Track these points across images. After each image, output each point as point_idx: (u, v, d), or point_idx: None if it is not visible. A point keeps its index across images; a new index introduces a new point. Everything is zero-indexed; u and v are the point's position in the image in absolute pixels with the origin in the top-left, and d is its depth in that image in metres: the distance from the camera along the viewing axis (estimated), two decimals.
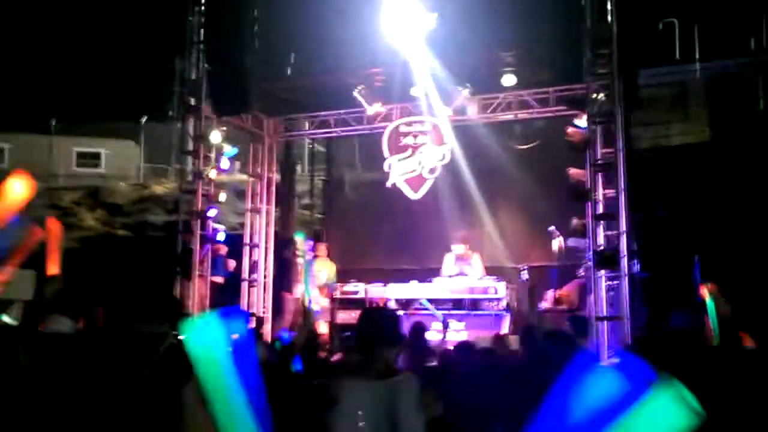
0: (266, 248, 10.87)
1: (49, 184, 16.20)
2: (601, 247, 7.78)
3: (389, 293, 9.42)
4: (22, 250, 4.80)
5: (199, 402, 2.49)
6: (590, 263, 7.94)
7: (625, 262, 7.56)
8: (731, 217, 9.84)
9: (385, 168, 10.23)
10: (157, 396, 2.98)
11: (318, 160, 12.14)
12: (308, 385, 4.25)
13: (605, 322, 7.68)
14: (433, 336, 8.14)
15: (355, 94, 9.80)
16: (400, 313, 8.83)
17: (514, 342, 7.31)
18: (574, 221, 8.12)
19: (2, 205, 4.60)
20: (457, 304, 8.93)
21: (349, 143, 11.66)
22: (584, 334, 7.48)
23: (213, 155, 10.02)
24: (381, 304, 9.06)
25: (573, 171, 8.19)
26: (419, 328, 6.60)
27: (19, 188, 4.70)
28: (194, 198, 9.80)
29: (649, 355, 3.53)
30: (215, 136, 9.98)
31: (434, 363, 5.85)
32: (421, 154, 9.98)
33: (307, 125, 11.24)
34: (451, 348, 6.43)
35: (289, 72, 10.06)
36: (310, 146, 12.05)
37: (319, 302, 9.61)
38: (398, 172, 10.07)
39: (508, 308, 8.77)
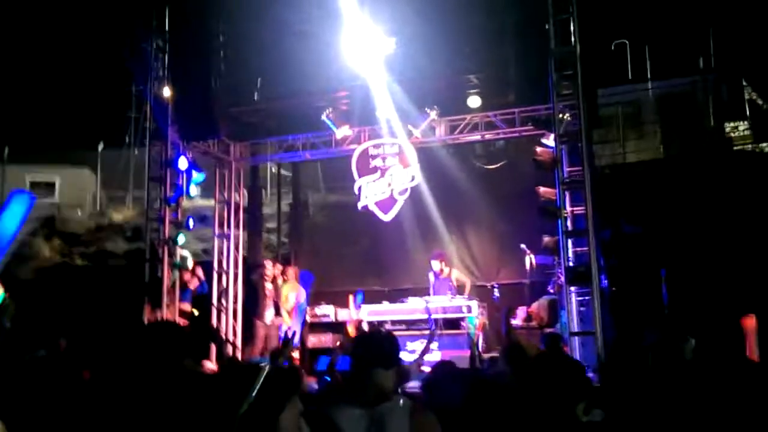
0: (235, 274, 10.74)
1: None
2: (572, 264, 7.94)
3: (360, 315, 9.40)
4: None
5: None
6: (561, 280, 8.10)
7: (596, 277, 7.72)
8: (690, 230, 10.15)
9: (356, 191, 10.27)
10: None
11: (283, 183, 12.09)
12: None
13: (577, 338, 7.82)
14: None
15: (324, 117, 9.83)
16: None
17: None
18: (546, 239, 8.26)
19: None
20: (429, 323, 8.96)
21: (314, 166, 11.69)
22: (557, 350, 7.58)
23: (180, 181, 9.91)
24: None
25: (542, 189, 8.35)
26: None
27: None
28: (161, 225, 9.66)
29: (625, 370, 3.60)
30: (182, 162, 9.86)
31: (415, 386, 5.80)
32: (391, 176, 10.04)
33: (273, 149, 11.19)
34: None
35: (255, 97, 10.07)
36: (275, 170, 11.99)
37: (293, 328, 9.54)
38: (369, 194, 10.11)
39: (482, 327, 8.84)
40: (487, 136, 9.95)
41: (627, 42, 13.85)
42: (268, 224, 12.01)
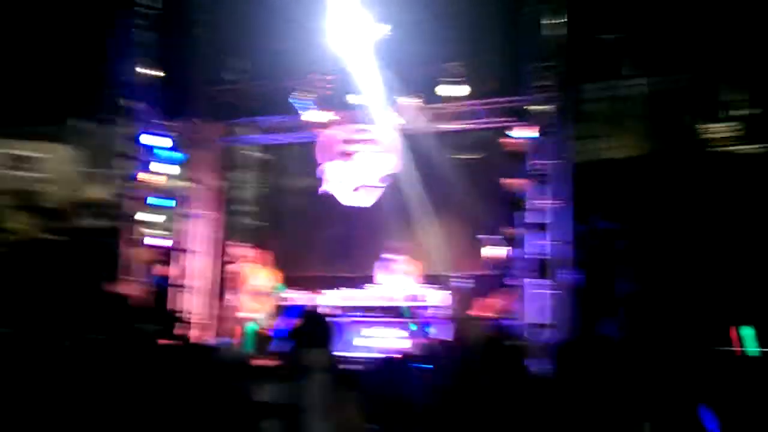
0: (203, 254, 10.62)
1: None
2: (534, 256, 7.90)
3: (324, 300, 9.33)
4: None
5: None
6: (523, 272, 8.06)
7: (555, 270, 7.69)
8: (665, 228, 10.09)
9: (321, 176, 10.18)
10: None
11: (259, 166, 11.97)
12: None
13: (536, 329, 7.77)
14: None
15: (291, 100, 9.74)
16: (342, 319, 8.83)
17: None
18: (507, 230, 8.21)
19: None
20: (393, 311, 8.91)
21: (290, 150, 11.53)
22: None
23: (149, 159, 9.83)
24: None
25: (507, 181, 8.31)
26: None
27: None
28: (127, 202, 9.58)
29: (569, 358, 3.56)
30: (152, 140, 9.76)
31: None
32: (364, 163, 9.96)
33: (249, 131, 11.07)
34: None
35: (231, 77, 9.98)
36: (250, 153, 11.86)
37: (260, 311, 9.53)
38: (338, 180, 10.01)
39: (448, 316, 8.79)
40: (467, 126, 9.86)
41: (613, 38, 13.73)
42: (241, 207, 11.87)
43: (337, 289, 9.43)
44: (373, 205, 10.07)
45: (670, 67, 13.22)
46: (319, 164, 10.16)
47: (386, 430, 3.78)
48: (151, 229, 10.04)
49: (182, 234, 10.58)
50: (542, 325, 7.70)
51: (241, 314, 9.78)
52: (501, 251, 8.84)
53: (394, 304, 8.84)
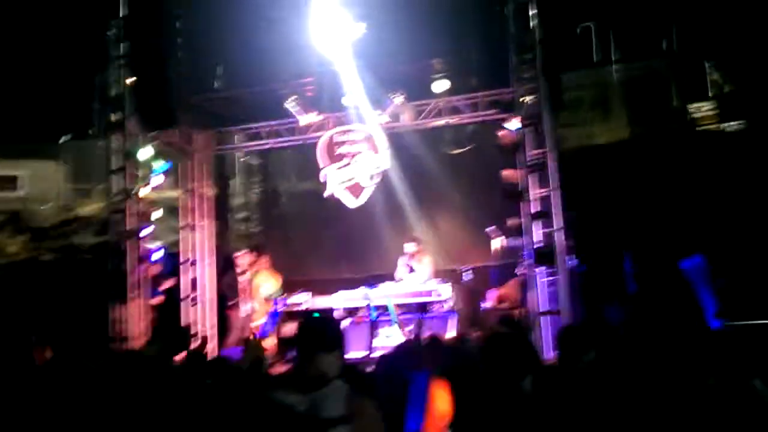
0: (205, 265, 10.65)
1: None
2: (538, 245, 8.02)
3: (334, 302, 9.39)
4: None
5: None
6: (529, 261, 8.18)
7: (561, 258, 7.82)
8: (656, 211, 10.29)
9: (322, 178, 10.23)
10: None
11: (252, 172, 11.99)
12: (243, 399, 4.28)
13: (546, 317, 7.91)
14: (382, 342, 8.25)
15: (287, 105, 9.76)
16: (346, 321, 8.89)
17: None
18: (511, 221, 8.34)
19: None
20: (403, 307, 9.02)
21: (283, 154, 11.56)
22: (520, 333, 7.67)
23: (141, 173, 9.79)
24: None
25: (506, 172, 8.42)
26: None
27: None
28: (124, 217, 9.54)
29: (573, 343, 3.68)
30: (143, 153, 9.73)
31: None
32: (358, 163, 10.04)
33: (238, 138, 11.09)
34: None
35: (217, 84, 9.97)
36: (244, 159, 11.89)
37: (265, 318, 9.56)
38: (336, 181, 10.09)
39: (453, 310, 8.89)
40: (453, 121, 9.98)
41: (591, 25, 13.94)
42: (238, 214, 11.91)
43: (342, 290, 9.48)
44: (373, 205, 10.15)
45: (648, 51, 13.46)
46: (321, 167, 10.21)
47: None
48: (151, 242, 10.02)
49: (183, 245, 10.59)
50: (549, 312, 7.84)
51: (252, 324, 9.82)
52: (504, 242, 8.97)
53: (413, 301, 8.93)
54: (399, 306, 8.95)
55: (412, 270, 9.47)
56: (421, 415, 3.57)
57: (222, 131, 10.92)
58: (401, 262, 9.57)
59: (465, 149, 10.33)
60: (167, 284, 10.24)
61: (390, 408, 3.38)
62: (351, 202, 10.06)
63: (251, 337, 9.43)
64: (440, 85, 9.39)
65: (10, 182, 17.07)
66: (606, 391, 3.41)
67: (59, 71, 14.59)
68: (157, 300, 9.87)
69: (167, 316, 9.88)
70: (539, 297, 7.94)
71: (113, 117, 9.72)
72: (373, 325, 8.65)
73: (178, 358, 6.71)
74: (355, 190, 10.05)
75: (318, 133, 10.30)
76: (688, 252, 9.29)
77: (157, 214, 9.98)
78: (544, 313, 7.88)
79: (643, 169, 10.85)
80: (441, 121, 9.96)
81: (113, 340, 9.05)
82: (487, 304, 8.95)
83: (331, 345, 2.99)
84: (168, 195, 12.06)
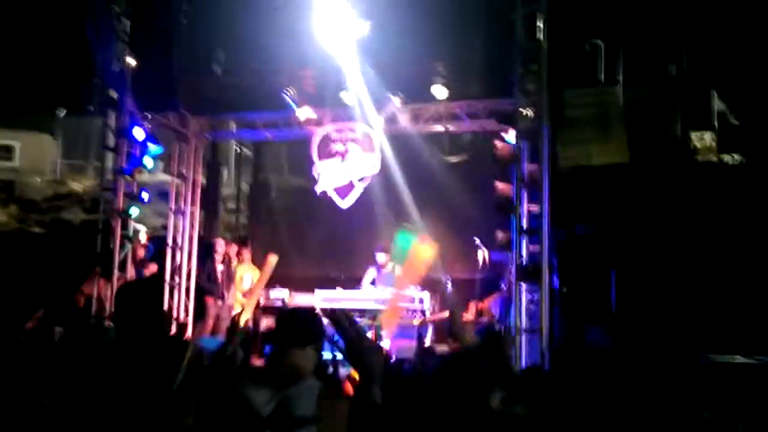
0: (189, 251, 10.55)
1: None
2: (524, 261, 7.92)
3: (314, 300, 9.31)
4: None
5: None
6: (512, 276, 8.08)
7: (546, 276, 7.72)
8: (646, 236, 10.18)
9: (314, 174, 10.14)
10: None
11: (245, 163, 11.91)
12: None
13: (524, 335, 7.81)
14: None
15: (284, 95, 9.67)
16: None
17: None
18: (499, 235, 8.22)
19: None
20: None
21: (277, 147, 11.49)
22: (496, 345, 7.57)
23: (137, 152, 9.71)
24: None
25: (499, 185, 8.31)
26: None
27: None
28: (115, 196, 9.48)
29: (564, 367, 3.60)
30: (138, 133, 9.65)
31: None
32: (351, 162, 9.94)
33: (234, 126, 11.00)
34: None
35: (217, 70, 9.88)
36: (237, 150, 11.81)
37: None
38: (327, 179, 9.99)
39: (439, 319, 8.81)
40: (451, 128, 9.88)
41: (600, 44, 13.82)
42: (227, 204, 11.83)
43: (325, 289, 9.41)
44: (362, 206, 10.05)
45: (654, 75, 13.36)
46: (312, 163, 10.12)
47: None
48: (138, 223, 9.94)
49: (169, 230, 10.50)
50: (530, 330, 7.74)
51: (232, 312, 9.74)
52: (486, 255, 8.88)
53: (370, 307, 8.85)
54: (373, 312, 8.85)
55: (381, 282, 9.40)
56: None
57: (217, 118, 10.82)
58: (370, 273, 9.50)
59: (460, 157, 10.24)
60: (151, 268, 10.15)
61: None
62: (339, 202, 9.96)
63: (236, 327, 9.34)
64: (439, 91, 9.29)
65: (6, 152, 17.01)
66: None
67: (59, 46, 14.48)
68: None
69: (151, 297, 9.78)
70: (521, 314, 7.83)
71: (110, 94, 9.65)
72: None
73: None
74: (345, 189, 9.94)
75: (314, 128, 10.19)
76: (676, 279, 9.21)
77: (146, 196, 9.87)
78: (523, 331, 7.78)
79: (639, 195, 10.75)
80: (439, 127, 9.86)
81: (93, 317, 8.98)
82: (467, 316, 8.85)
83: (304, 340, 2.85)
84: (159, 178, 11.99)
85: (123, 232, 9.47)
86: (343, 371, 6.53)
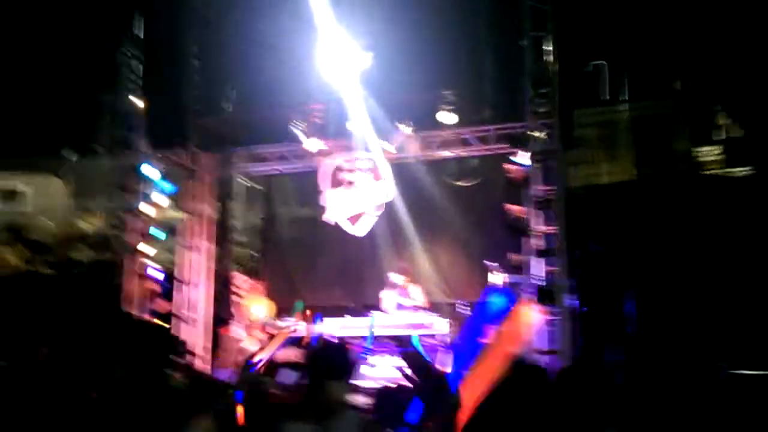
0: (202, 286, 10.56)
1: None
2: (540, 283, 7.91)
3: (326, 329, 9.26)
4: None
5: None
6: (528, 298, 8.06)
7: (563, 297, 7.71)
8: (658, 252, 10.19)
9: (323, 204, 10.18)
10: None
11: (255, 197, 11.94)
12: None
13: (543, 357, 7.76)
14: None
15: (292, 128, 9.78)
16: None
17: None
18: (513, 257, 8.23)
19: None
20: (399, 339, 8.86)
21: (286, 180, 11.51)
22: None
23: (149, 191, 9.81)
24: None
25: (511, 207, 8.35)
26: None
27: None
28: (126, 235, 9.52)
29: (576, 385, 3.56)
30: (150, 171, 9.74)
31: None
32: (362, 191, 9.98)
33: (244, 161, 11.07)
34: None
35: (227, 107, 10.01)
36: (247, 183, 11.85)
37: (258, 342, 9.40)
38: (335, 208, 10.02)
39: (451, 344, 8.73)
40: (462, 153, 9.92)
41: (605, 63, 13.97)
42: (238, 237, 11.83)
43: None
44: (372, 234, 10.05)
45: (657, 92, 13.48)
46: (320, 192, 10.16)
47: None
48: (149, 260, 9.97)
49: (180, 265, 10.52)
50: (548, 352, 7.70)
51: (242, 345, 9.70)
52: (504, 278, 8.85)
53: (400, 333, 8.79)
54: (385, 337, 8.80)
55: (400, 306, 9.34)
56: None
57: (228, 154, 10.89)
58: (387, 296, 9.46)
59: (472, 182, 10.24)
60: (163, 306, 10.15)
61: None
62: (353, 231, 9.97)
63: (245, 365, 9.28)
64: (447, 118, 9.36)
65: (16, 196, 17.13)
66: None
67: (68, 87, 14.65)
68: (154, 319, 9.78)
69: (163, 332, 9.77)
70: (538, 335, 7.79)
71: (120, 134, 9.76)
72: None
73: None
74: (358, 218, 9.97)
75: (322, 158, 10.26)
76: (690, 295, 9.19)
77: (161, 234, 9.93)
78: (541, 352, 7.74)
79: (649, 211, 10.78)
80: (449, 153, 9.90)
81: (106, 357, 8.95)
82: (485, 339, 8.77)
83: (340, 372, 2.92)
84: (170, 215, 12.04)
85: (135, 269, 9.50)
86: None
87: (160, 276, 9.93)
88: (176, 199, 11.13)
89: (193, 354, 9.96)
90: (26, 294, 12.82)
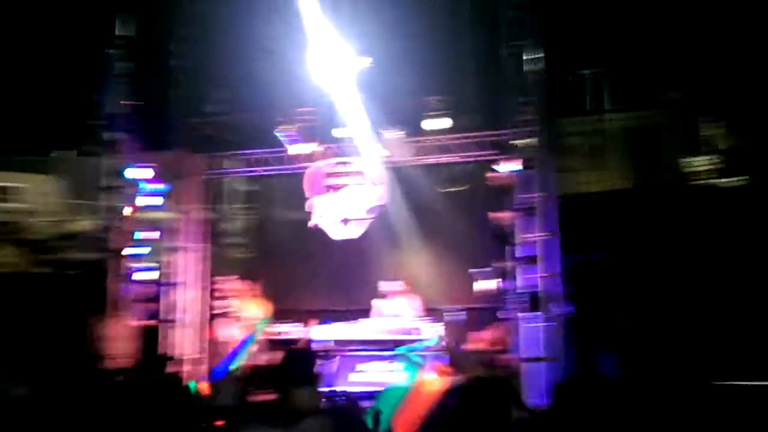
0: (191, 288, 10.55)
1: None
2: (527, 289, 7.94)
3: (318, 334, 9.28)
4: None
5: None
6: (515, 305, 8.10)
7: (550, 303, 7.73)
8: (647, 260, 10.22)
9: (309, 209, 10.21)
10: None
11: (245, 198, 11.96)
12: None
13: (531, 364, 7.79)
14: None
15: (277, 133, 9.81)
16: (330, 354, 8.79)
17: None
18: (500, 264, 8.27)
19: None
20: (389, 345, 8.90)
21: (277, 182, 11.53)
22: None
23: (134, 192, 9.80)
24: (302, 345, 8.99)
25: (495, 215, 8.38)
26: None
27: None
28: (114, 236, 9.52)
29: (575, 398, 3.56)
30: (136, 172, 9.74)
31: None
32: (349, 196, 10.00)
33: (234, 164, 11.07)
34: None
35: (214, 109, 10.02)
36: (237, 185, 11.86)
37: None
38: (325, 213, 10.05)
39: (445, 350, 8.76)
40: (452, 160, 9.96)
41: (592, 72, 14.04)
42: (229, 240, 11.82)
43: (328, 322, 9.38)
44: (362, 238, 10.08)
45: (649, 102, 13.54)
46: (307, 197, 10.18)
47: None
48: (139, 262, 9.96)
49: (170, 267, 10.51)
50: (536, 359, 7.73)
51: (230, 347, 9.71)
52: (493, 284, 8.87)
53: (389, 338, 8.81)
54: (376, 342, 8.83)
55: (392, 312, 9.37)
56: None
57: (214, 156, 10.89)
58: (377, 304, 9.48)
59: (459, 188, 10.28)
60: (151, 306, 10.15)
61: None
62: (338, 235, 10.00)
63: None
64: (440, 123, 9.41)
65: (7, 193, 17.11)
66: None
67: (58, 87, 14.64)
68: (143, 322, 9.77)
69: (153, 337, 9.78)
70: (523, 342, 7.83)
71: (108, 135, 9.75)
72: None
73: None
74: (347, 222, 9.99)
75: (312, 163, 10.28)
76: (681, 304, 9.22)
77: (150, 234, 9.93)
78: (528, 360, 7.77)
79: (638, 220, 10.81)
80: (437, 159, 9.94)
81: (92, 358, 8.96)
82: (473, 345, 8.80)
83: (307, 379, 3.03)
84: (159, 216, 12.02)
85: (123, 271, 9.49)
86: None
87: (149, 277, 9.91)
88: (166, 200, 11.12)
89: (179, 360, 9.98)
90: (20, 294, 12.80)
